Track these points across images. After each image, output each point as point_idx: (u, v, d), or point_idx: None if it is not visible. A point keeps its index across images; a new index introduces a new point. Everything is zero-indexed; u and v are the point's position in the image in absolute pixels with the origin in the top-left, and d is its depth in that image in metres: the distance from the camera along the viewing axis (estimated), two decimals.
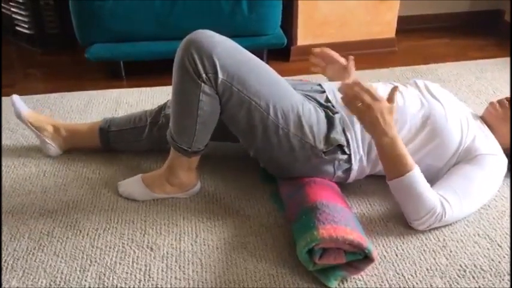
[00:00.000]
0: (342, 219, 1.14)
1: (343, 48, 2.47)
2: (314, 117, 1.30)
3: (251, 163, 1.55)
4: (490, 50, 2.65)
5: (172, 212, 1.40)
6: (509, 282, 1.15)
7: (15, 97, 1.64)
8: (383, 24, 2.48)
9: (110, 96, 2.11)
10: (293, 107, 1.27)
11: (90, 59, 2.21)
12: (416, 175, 1.23)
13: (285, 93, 1.29)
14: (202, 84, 1.20)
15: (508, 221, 1.35)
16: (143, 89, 2.18)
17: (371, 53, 2.50)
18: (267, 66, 1.30)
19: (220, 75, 1.20)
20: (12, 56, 2.70)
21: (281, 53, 2.44)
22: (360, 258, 1.13)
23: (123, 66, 2.32)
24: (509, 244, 1.26)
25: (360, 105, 1.19)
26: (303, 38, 2.42)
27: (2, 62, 2.46)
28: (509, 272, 1.18)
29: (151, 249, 1.27)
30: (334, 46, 2.56)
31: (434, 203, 1.23)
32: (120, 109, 2.00)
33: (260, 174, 1.53)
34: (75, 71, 2.47)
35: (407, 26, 2.78)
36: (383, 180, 1.37)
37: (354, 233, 1.11)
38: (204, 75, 1.19)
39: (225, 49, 1.21)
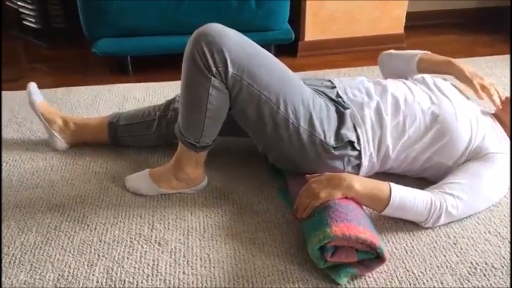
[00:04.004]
0: (355, 218, 1.13)
1: (350, 44, 2.47)
2: (324, 112, 1.29)
3: (259, 159, 1.54)
4: (499, 46, 2.62)
5: (180, 207, 1.39)
6: None
7: (33, 86, 1.64)
8: (391, 20, 2.46)
9: (117, 91, 2.11)
10: (303, 102, 1.26)
11: (97, 54, 2.20)
12: (398, 194, 1.22)
13: (295, 87, 1.28)
14: (212, 78, 1.19)
15: None
16: (150, 84, 2.17)
17: (379, 49, 2.46)
18: (277, 61, 1.29)
19: (230, 69, 1.19)
20: (18, 50, 2.70)
21: (288, 49, 2.42)
22: (371, 257, 1.12)
23: (130, 61, 2.31)
24: None
25: (309, 201, 1.21)
26: (310, 34, 2.40)
27: (1, 57, 2.45)
28: None
29: (159, 244, 1.26)
30: (341, 42, 2.58)
31: (429, 201, 1.23)
32: (128, 104, 1.99)
33: (268, 170, 1.52)
34: (81, 65, 2.46)
35: (415, 22, 2.75)
36: (392, 177, 1.36)
37: (367, 232, 1.10)
38: (214, 69, 1.18)
39: (236, 43, 1.20)
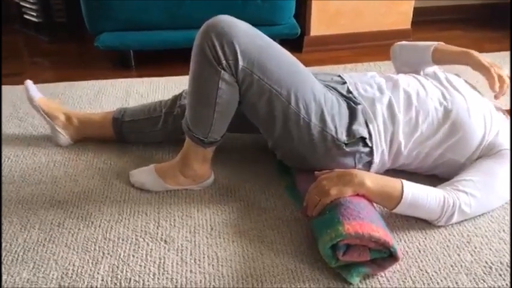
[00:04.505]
0: (367, 216, 1.10)
1: (357, 39, 2.43)
2: (336, 107, 1.26)
3: (266, 155, 1.51)
4: (507, 42, 2.59)
5: (187, 204, 1.36)
6: None
7: (29, 83, 1.60)
8: (398, 15, 2.42)
9: (120, 86, 2.07)
10: (315, 97, 1.23)
11: (99, 48, 2.17)
12: (410, 192, 1.19)
13: (307, 82, 1.24)
14: (222, 71, 1.16)
15: None
16: (154, 79, 2.14)
17: (385, 45, 2.43)
18: (289, 54, 1.26)
19: (240, 62, 1.16)
20: (19, 44, 2.66)
21: (294, 44, 2.39)
22: (384, 256, 1.09)
23: (133, 55, 2.28)
24: None
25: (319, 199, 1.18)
26: (316, 29, 2.37)
27: (1, 52, 2.41)
28: None
29: (166, 241, 1.23)
30: (348, 37, 2.54)
31: (441, 199, 1.20)
32: (131, 99, 1.96)
33: (276, 167, 1.49)
34: (83, 60, 2.43)
35: (422, 17, 2.72)
36: (402, 174, 1.33)
37: (380, 231, 1.07)
38: (224, 62, 1.15)
39: (246, 35, 1.16)
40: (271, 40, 1.23)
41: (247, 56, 1.16)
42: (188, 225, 1.28)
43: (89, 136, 1.62)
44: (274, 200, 1.38)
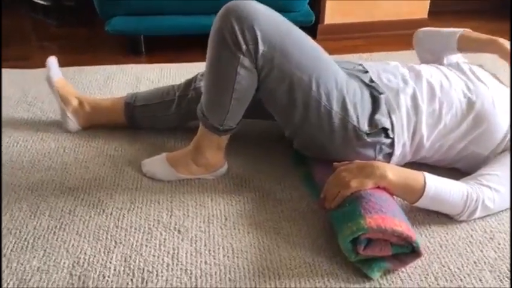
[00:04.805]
0: (389, 210, 1.06)
1: (372, 28, 2.38)
2: (359, 96, 1.22)
3: (281, 143, 1.48)
4: None
5: (200, 194, 1.33)
6: None
7: (52, 60, 1.56)
8: (415, 4, 2.37)
9: (130, 72, 2.03)
10: (337, 84, 1.19)
11: (110, 33, 2.12)
12: (433, 185, 1.15)
13: (329, 68, 1.20)
14: (241, 56, 1.12)
15: None
16: (164, 65, 2.09)
17: (401, 34, 2.39)
18: (310, 39, 1.21)
19: (261, 47, 1.11)
20: (27, 28, 2.62)
21: (308, 32, 2.30)
22: (406, 251, 1.06)
23: (143, 41, 2.23)
24: None
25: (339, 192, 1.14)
26: (330, 17, 2.32)
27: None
28: None
29: (179, 231, 1.20)
30: (362, 26, 2.48)
31: (465, 193, 1.16)
32: (141, 85, 1.92)
33: (292, 157, 1.45)
34: (91, 44, 2.39)
35: (438, 7, 2.66)
36: (422, 167, 1.29)
37: (403, 225, 1.04)
38: (243, 47, 1.11)
39: (267, 19, 1.12)
40: (292, 24, 1.19)
41: (268, 41, 1.12)
42: (202, 215, 1.25)
43: (100, 123, 1.58)
44: (290, 191, 1.35)
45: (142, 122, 1.55)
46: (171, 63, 2.11)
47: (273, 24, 1.13)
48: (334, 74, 1.20)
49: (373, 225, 1.02)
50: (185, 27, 2.11)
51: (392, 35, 2.32)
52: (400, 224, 1.04)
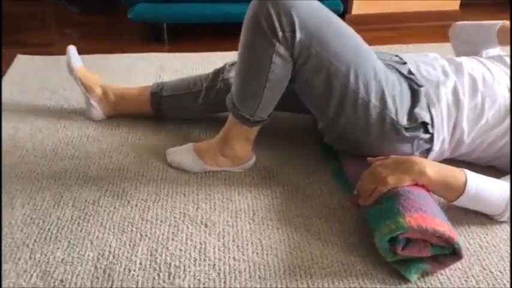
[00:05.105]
0: (429, 209, 1.01)
1: (400, 19, 2.31)
2: (397, 88, 1.16)
3: (310, 136, 1.43)
4: None
5: (226, 187, 1.29)
6: None
7: (72, 49, 1.53)
8: None
9: (154, 61, 2.00)
10: (376, 75, 1.13)
11: (132, 20, 2.09)
12: (475, 183, 1.08)
13: (368, 59, 1.14)
14: (277, 44, 1.07)
15: None
16: (188, 54, 2.05)
17: (431, 26, 2.31)
18: (349, 27, 1.16)
19: (298, 34, 1.06)
20: (48, 15, 2.60)
21: None
22: (446, 253, 1.00)
23: (166, 29, 2.19)
24: None
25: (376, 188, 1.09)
26: (358, 7, 2.25)
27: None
28: None
29: (206, 225, 1.16)
30: (391, 17, 2.41)
31: (507, 193, 1.10)
32: (165, 74, 1.88)
33: (321, 149, 1.39)
34: (113, 32, 2.36)
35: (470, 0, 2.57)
36: (460, 164, 1.23)
37: (444, 225, 0.98)
38: (280, 34, 1.06)
39: (305, 5, 1.07)
40: (330, 11, 1.13)
41: (306, 28, 1.06)
42: (229, 209, 1.21)
43: (125, 112, 1.54)
44: (320, 185, 1.30)
45: (168, 112, 1.51)
46: (193, 52, 2.07)
47: (312, 10, 1.08)
48: (373, 65, 1.14)
49: (413, 225, 0.97)
50: (209, 15, 2.06)
51: (424, 27, 2.25)
52: (441, 224, 0.99)
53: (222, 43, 2.10)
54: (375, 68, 1.14)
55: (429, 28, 2.30)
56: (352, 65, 1.11)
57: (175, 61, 1.99)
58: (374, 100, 1.13)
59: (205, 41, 2.17)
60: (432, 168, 1.09)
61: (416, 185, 1.09)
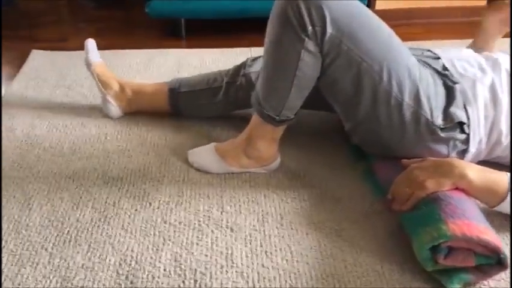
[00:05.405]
0: (472, 215, 0.94)
1: (426, 15, 2.23)
2: (432, 86, 1.09)
3: (337, 134, 1.37)
4: None
5: (251, 189, 1.23)
6: None
7: (90, 43, 1.48)
8: None
9: (171, 56, 1.94)
10: (410, 73, 1.07)
11: (150, 15, 2.03)
12: None
13: (401, 55, 1.08)
14: (306, 39, 1.01)
15: None
16: (206, 50, 1.99)
17: (459, 22, 2.23)
18: (383, 22, 1.09)
19: (329, 30, 1.00)
20: (63, 9, 2.55)
21: None
22: (491, 262, 0.94)
23: (184, 24, 2.13)
24: None
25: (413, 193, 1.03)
26: (382, 1, 2.17)
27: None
28: None
29: (232, 229, 1.10)
30: (416, 12, 2.32)
31: None
32: (183, 71, 1.82)
33: (349, 149, 1.33)
34: (129, 27, 2.31)
35: None
36: (496, 166, 1.16)
37: (489, 233, 0.91)
38: (309, 29, 1.00)
39: None
40: (362, 5, 1.06)
41: (337, 23, 1.00)
42: (255, 213, 1.15)
43: (142, 109, 1.49)
44: (350, 188, 1.23)
45: (186, 109, 1.45)
46: (212, 48, 2.01)
47: (343, 4, 1.01)
48: (407, 62, 1.08)
49: (457, 233, 0.90)
50: (229, 11, 2.01)
51: (451, 23, 2.17)
52: (486, 231, 0.92)
53: (240, 39, 2.04)
54: (409, 65, 1.08)
55: (457, 24, 2.22)
56: (385, 63, 1.04)
57: (193, 57, 1.93)
58: (408, 99, 1.07)
59: (224, 37, 2.11)
60: (473, 171, 1.02)
61: (456, 189, 1.02)
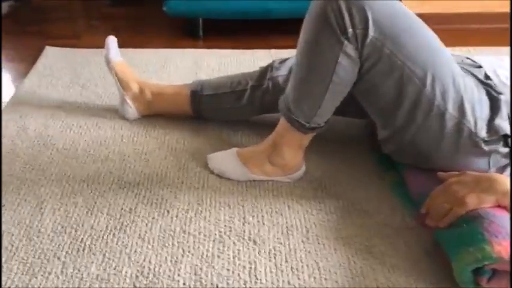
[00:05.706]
0: None
1: (454, 20, 2.16)
2: (476, 95, 1.02)
3: (364, 142, 1.30)
4: None
5: (275, 198, 1.16)
6: None
7: (111, 41, 1.43)
8: None
9: (188, 57, 1.88)
10: (454, 81, 1.00)
11: (167, 13, 1.98)
12: None
13: (445, 61, 1.01)
14: (346, 42, 0.94)
15: None
16: (225, 51, 1.93)
17: (488, 29, 2.16)
18: (426, 26, 1.03)
19: (371, 32, 0.93)
20: (77, 7, 2.50)
21: None
22: None
23: (201, 24, 2.08)
24: None
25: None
26: (408, 5, 2.09)
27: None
28: None
29: (255, 242, 1.03)
30: (443, 18, 2.24)
31: None
32: (202, 72, 1.76)
33: (378, 158, 1.26)
34: (145, 25, 2.25)
35: None
36: None
37: None
38: (350, 31, 0.93)
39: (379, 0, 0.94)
40: (405, 7, 1.00)
41: (379, 26, 0.94)
42: (279, 225, 1.09)
43: (160, 111, 1.43)
44: (379, 200, 1.16)
45: (208, 113, 1.39)
46: (230, 49, 1.95)
47: (386, 6, 0.95)
48: (451, 69, 1.01)
49: (503, 255, 0.83)
50: (250, 11, 1.94)
51: (479, 29, 2.10)
52: None
53: (260, 40, 1.98)
54: (453, 72, 1.01)
55: (486, 31, 2.15)
56: (429, 69, 0.98)
57: (211, 58, 1.88)
58: (451, 109, 1.00)
59: (243, 38, 2.05)
60: None
61: (498, 206, 0.95)
